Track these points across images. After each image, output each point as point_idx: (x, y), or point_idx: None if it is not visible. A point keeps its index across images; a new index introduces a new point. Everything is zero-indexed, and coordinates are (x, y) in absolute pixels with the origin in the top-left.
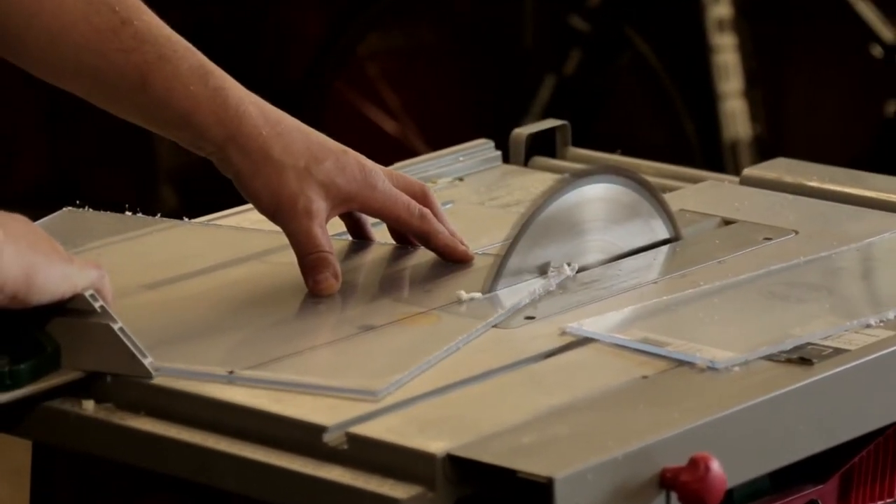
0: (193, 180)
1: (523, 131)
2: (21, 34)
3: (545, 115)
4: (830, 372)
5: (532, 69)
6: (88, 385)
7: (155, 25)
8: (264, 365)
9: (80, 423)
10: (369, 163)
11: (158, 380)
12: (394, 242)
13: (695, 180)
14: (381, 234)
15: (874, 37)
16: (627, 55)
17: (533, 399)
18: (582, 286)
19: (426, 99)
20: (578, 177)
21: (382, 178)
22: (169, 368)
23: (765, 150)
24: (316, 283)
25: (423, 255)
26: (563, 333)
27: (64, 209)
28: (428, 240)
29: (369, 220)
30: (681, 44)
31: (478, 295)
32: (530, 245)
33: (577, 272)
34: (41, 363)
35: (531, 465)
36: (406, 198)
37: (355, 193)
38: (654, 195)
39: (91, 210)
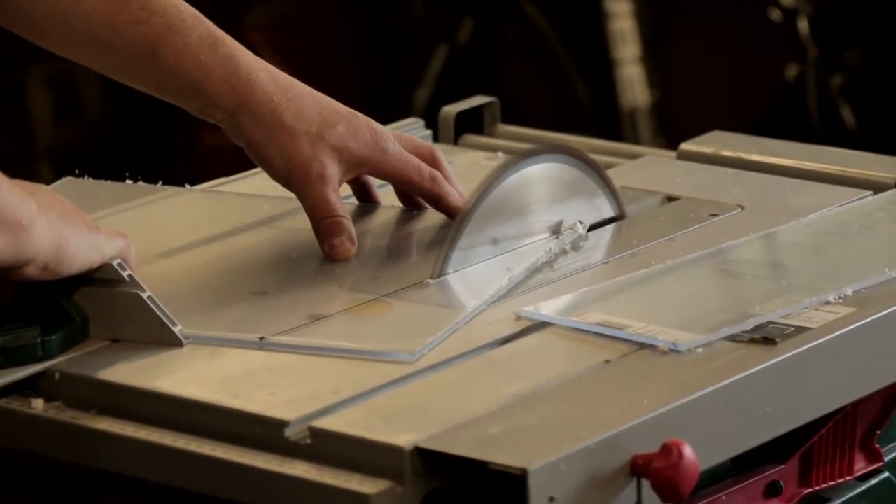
0: (71, 157)
1: (452, 109)
2: (30, 8)
3: (438, 85)
4: (795, 351)
5: (423, 38)
6: (36, 383)
7: None
8: (293, 330)
9: (28, 422)
10: (379, 126)
11: (109, 376)
12: (401, 205)
13: (631, 156)
14: (385, 197)
15: (772, 1)
16: (518, 23)
17: (495, 387)
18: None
19: (315, 69)
20: (524, 157)
21: (393, 141)
22: (199, 336)
23: (663, 117)
24: (332, 248)
25: (431, 218)
26: (519, 318)
27: (63, 179)
28: (439, 202)
29: (376, 183)
30: (572, 10)
31: (430, 281)
32: (478, 227)
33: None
34: (71, 333)
35: (503, 456)
36: (417, 160)
37: (367, 157)
38: (598, 173)
39: (91, 179)
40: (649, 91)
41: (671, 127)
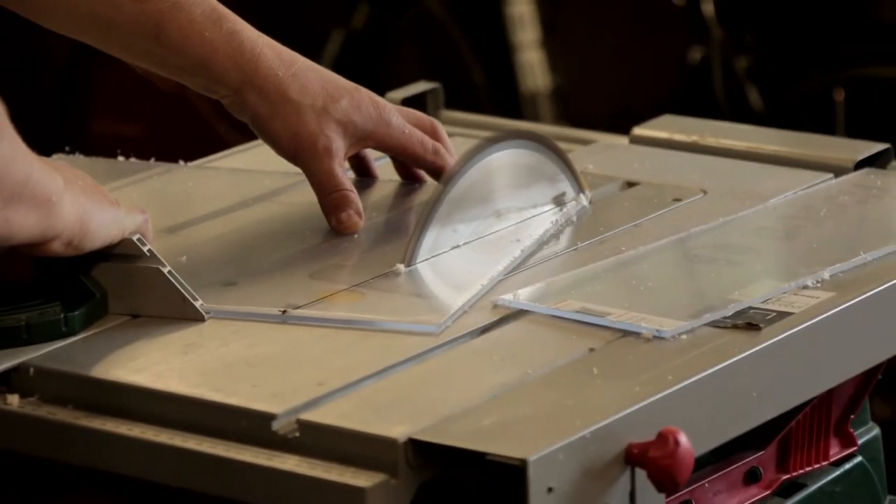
0: None
1: (396, 95)
2: None
3: (333, 70)
4: (779, 336)
5: (318, 23)
6: (9, 378)
7: None
8: (315, 304)
9: (4, 419)
10: (381, 99)
11: (86, 370)
12: (398, 178)
13: (583, 142)
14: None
15: None
16: (415, 8)
17: (482, 377)
18: None
19: None
20: (489, 143)
21: (396, 114)
22: (220, 310)
23: (564, 101)
24: (339, 222)
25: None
26: (496, 306)
27: (54, 156)
28: (441, 174)
29: (373, 157)
30: None
31: (401, 267)
32: (446, 215)
33: None
34: (92, 309)
35: (501, 447)
36: (420, 133)
37: (371, 131)
38: (562, 158)
39: (81, 156)
40: (550, 75)
41: (573, 111)
